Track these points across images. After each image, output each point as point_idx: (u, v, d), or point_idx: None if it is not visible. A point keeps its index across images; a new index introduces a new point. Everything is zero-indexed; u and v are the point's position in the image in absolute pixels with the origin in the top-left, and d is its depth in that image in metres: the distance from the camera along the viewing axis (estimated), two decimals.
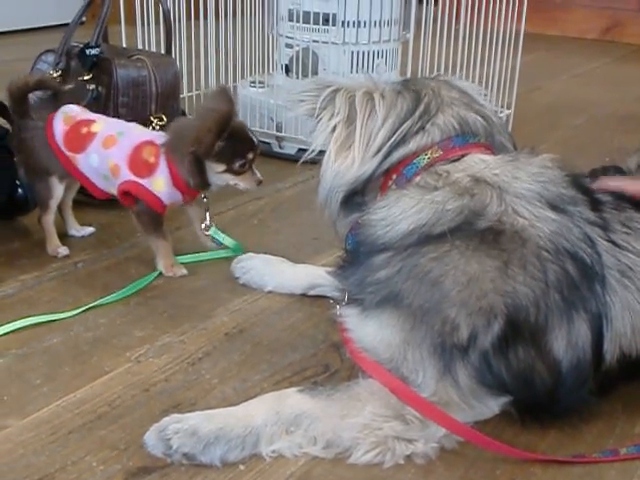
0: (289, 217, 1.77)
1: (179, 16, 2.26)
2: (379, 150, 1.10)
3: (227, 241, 1.53)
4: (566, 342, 1.01)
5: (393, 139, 1.10)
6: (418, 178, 1.07)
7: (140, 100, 1.78)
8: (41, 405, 1.08)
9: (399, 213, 1.05)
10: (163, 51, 1.99)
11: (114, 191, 1.45)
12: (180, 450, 0.96)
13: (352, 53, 2.14)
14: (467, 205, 1.02)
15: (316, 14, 2.14)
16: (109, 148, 1.43)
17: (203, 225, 1.50)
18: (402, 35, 2.23)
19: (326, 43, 2.12)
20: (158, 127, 1.79)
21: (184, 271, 1.47)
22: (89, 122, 1.47)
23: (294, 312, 1.35)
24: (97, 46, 1.79)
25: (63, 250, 1.52)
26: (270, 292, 1.41)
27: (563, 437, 1.05)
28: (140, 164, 1.41)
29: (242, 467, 0.97)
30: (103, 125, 1.47)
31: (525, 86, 2.64)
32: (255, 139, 1.43)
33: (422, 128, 1.10)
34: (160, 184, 1.41)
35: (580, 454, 1.01)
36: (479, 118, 1.13)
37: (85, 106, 1.76)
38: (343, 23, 2.11)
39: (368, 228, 1.08)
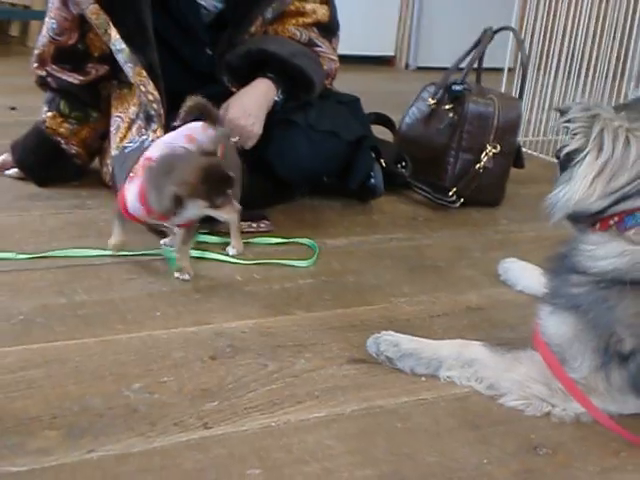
0: None
1: (542, 74, 2.64)
2: (615, 192, 1.31)
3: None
4: None
5: (629, 188, 1.30)
6: (632, 231, 1.29)
7: (482, 130, 2.23)
8: (322, 309, 1.60)
9: (604, 253, 1.30)
10: (516, 94, 2.40)
11: None
12: (384, 353, 1.39)
13: None
14: None
15: None
16: None
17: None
18: None
19: None
20: (492, 154, 2.22)
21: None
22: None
23: (531, 307, 1.65)
24: (462, 83, 2.28)
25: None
26: (520, 291, 1.75)
27: None
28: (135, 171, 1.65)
29: (423, 379, 1.37)
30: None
31: None
32: (232, 174, 1.53)
33: None
34: (130, 193, 1.62)
35: None
36: None
37: (439, 129, 2.28)
38: None
39: (577, 251, 1.35)
